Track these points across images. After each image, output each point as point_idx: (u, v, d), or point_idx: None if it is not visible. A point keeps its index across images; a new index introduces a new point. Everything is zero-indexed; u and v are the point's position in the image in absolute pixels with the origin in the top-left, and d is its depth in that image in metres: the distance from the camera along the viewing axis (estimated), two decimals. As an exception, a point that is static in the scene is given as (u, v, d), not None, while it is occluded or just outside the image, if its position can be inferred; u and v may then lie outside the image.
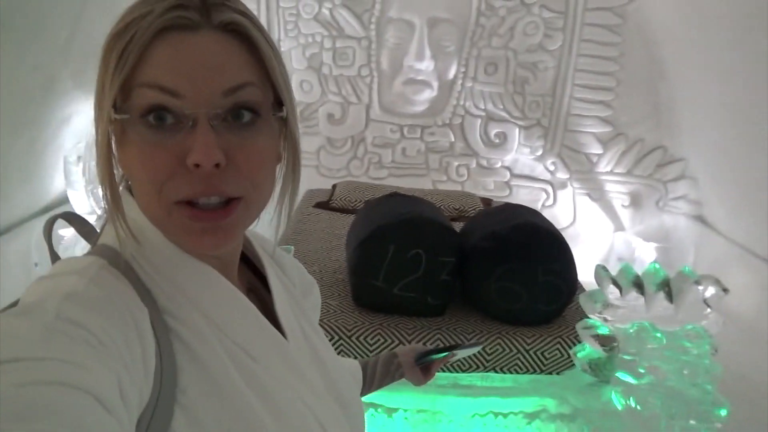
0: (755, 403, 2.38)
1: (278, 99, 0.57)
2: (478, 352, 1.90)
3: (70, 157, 2.56)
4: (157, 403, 0.49)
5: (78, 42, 2.33)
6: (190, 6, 0.51)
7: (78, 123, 2.61)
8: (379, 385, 0.98)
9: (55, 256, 0.59)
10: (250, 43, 0.54)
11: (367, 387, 0.96)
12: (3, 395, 0.37)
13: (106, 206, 0.54)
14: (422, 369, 0.98)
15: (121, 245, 0.55)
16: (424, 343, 1.88)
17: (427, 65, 3.71)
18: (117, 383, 0.44)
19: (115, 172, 0.54)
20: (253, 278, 0.70)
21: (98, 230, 0.61)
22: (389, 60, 3.76)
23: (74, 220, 0.62)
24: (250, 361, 0.57)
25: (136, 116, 0.51)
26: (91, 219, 2.75)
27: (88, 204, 2.65)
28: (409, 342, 1.88)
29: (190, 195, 0.52)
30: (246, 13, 0.55)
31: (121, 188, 0.57)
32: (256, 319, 0.60)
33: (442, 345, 0.93)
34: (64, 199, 2.73)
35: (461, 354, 1.01)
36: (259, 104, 0.54)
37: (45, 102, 2.34)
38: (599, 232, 3.99)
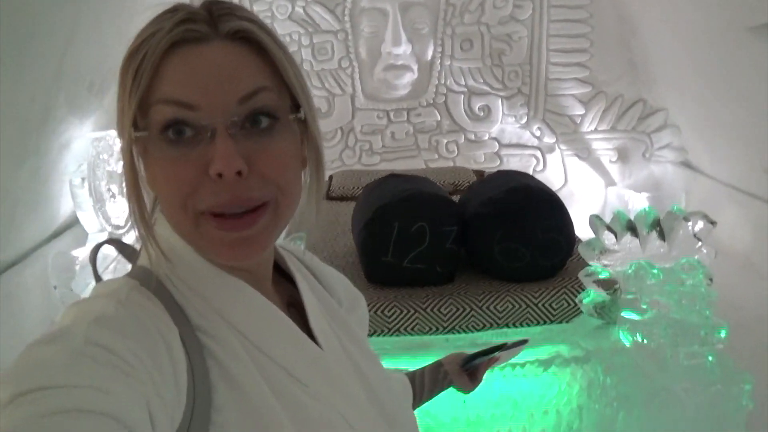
0: (752, 329, 2.51)
1: (295, 101, 0.57)
2: (489, 311, 2.00)
3: (75, 179, 2.64)
4: (190, 422, 0.49)
5: (68, 70, 2.40)
6: (197, 19, 0.52)
7: (77, 147, 2.68)
8: (429, 396, 0.96)
9: (99, 280, 0.60)
10: (261, 48, 0.54)
11: (417, 400, 0.94)
12: (26, 427, 0.37)
13: (135, 226, 0.55)
14: (469, 374, 0.98)
15: (152, 265, 0.55)
16: (439, 309, 1.99)
17: (404, 49, 3.79)
18: (146, 407, 0.43)
19: (145, 193, 0.55)
20: (295, 292, 0.68)
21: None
22: (367, 49, 3.84)
23: (117, 244, 0.63)
24: (287, 377, 0.56)
25: (155, 133, 0.51)
26: (103, 236, 2.84)
27: (97, 222, 2.73)
28: (424, 310, 1.98)
29: (216, 205, 0.52)
30: (254, 20, 0.55)
31: (157, 211, 0.59)
32: (293, 332, 0.59)
33: (485, 348, 0.97)
34: (74, 221, 2.81)
35: (507, 356, 1.00)
36: (276, 108, 0.54)
37: (43, 131, 2.42)
38: (592, 190, 4.10)
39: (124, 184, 0.55)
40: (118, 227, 2.86)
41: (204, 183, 0.51)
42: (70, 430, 0.38)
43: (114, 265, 2.74)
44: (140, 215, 0.54)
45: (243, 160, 0.51)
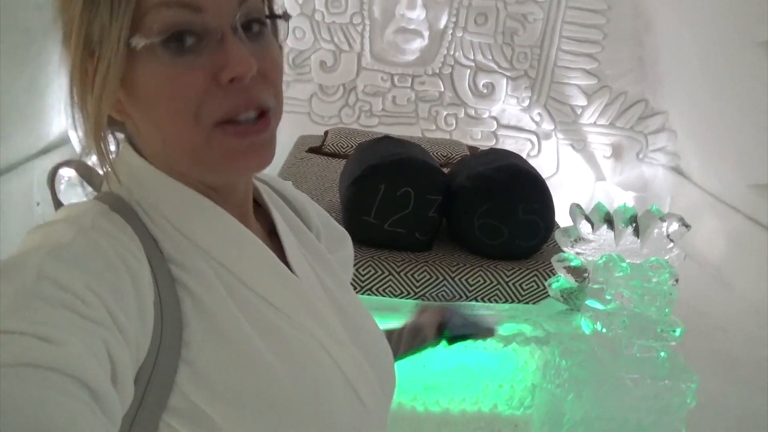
0: (710, 336, 2.60)
1: (270, 8, 0.55)
2: (461, 283, 2.06)
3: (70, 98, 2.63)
4: (157, 356, 0.47)
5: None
6: None
7: (77, 64, 2.67)
8: (401, 357, 0.92)
9: (58, 204, 0.56)
10: None
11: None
12: None
13: (90, 148, 0.51)
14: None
15: (123, 192, 0.53)
16: (413, 275, 2.04)
17: (418, 14, 3.76)
18: (105, 350, 0.40)
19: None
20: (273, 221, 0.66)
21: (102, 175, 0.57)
22: (381, 8, 3.81)
23: (78, 166, 0.58)
24: (267, 307, 0.55)
25: (157, 41, 0.46)
26: (93, 158, 2.84)
27: (88, 144, 2.74)
28: (398, 273, 2.03)
29: (232, 110, 0.49)
30: None
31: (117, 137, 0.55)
32: (271, 261, 0.58)
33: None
34: (66, 139, 2.81)
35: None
36: (261, 12, 0.52)
37: (45, 42, 2.40)
38: (581, 182, 4.15)
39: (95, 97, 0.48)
40: (109, 152, 2.86)
41: (212, 91, 0.48)
42: (9, 390, 0.33)
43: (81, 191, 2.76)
44: (95, 135, 0.50)
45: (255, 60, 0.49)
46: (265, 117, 0.51)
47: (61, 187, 2.78)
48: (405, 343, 0.91)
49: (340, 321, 0.61)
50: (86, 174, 0.58)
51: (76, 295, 0.40)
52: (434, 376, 2.01)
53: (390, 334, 0.91)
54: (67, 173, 2.85)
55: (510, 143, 4.08)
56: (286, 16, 0.55)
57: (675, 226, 1.83)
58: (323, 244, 0.75)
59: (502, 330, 1.97)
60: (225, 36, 0.47)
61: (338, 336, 0.59)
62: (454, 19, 3.83)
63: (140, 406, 0.47)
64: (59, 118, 2.73)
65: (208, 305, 0.50)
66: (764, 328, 2.76)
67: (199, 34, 0.47)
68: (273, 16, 0.54)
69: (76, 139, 2.77)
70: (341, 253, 0.80)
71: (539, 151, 4.11)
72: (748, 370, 2.44)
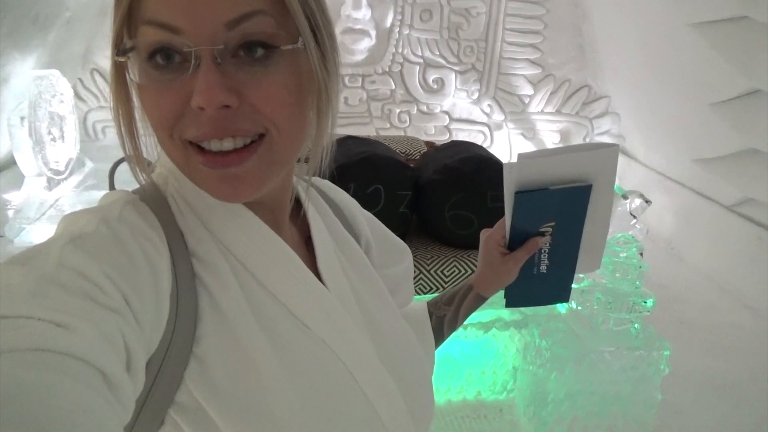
0: (670, 306, 2.73)
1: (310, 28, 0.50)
2: (436, 275, 2.08)
3: (13, 118, 2.51)
4: (168, 348, 0.46)
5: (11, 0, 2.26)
6: None
7: (18, 84, 2.55)
8: (463, 320, 0.85)
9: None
10: None
11: (449, 329, 0.84)
12: None
13: (124, 153, 0.52)
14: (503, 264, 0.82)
15: (161, 181, 0.55)
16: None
17: (364, 14, 3.78)
18: (120, 339, 0.40)
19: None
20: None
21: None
22: (326, 10, 3.80)
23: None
24: (286, 314, 0.53)
25: (143, 56, 0.47)
26: (41, 181, 2.72)
27: (35, 165, 2.61)
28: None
29: (198, 137, 0.47)
30: None
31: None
32: (296, 268, 0.56)
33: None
34: (10, 162, 2.68)
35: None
36: (273, 36, 0.47)
37: (-18, 62, 2.28)
38: (533, 169, 4.25)
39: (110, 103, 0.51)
40: (57, 172, 2.75)
41: (186, 113, 0.47)
42: (23, 375, 0.33)
43: (50, 212, 2.64)
44: (130, 140, 0.51)
45: (231, 92, 0.46)
46: (245, 149, 0.48)
47: (9, 214, 2.65)
48: (464, 311, 0.83)
49: (371, 339, 0.58)
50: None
51: (94, 283, 0.40)
52: (417, 370, 2.04)
53: (452, 297, 0.84)
54: (15, 199, 2.71)
55: (463, 136, 4.15)
56: (321, 35, 0.51)
57: (636, 202, 1.92)
58: (375, 256, 0.73)
59: (481, 317, 2.01)
60: (202, 61, 0.45)
61: (365, 354, 0.56)
62: (399, 17, 3.87)
63: (148, 398, 0.46)
64: (2, 141, 2.59)
65: (221, 302, 0.50)
66: (717, 295, 2.91)
67: (180, 54, 0.46)
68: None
69: (21, 161, 2.64)
70: (398, 267, 0.77)
71: (492, 141, 4.20)
72: (707, 335, 2.57)
